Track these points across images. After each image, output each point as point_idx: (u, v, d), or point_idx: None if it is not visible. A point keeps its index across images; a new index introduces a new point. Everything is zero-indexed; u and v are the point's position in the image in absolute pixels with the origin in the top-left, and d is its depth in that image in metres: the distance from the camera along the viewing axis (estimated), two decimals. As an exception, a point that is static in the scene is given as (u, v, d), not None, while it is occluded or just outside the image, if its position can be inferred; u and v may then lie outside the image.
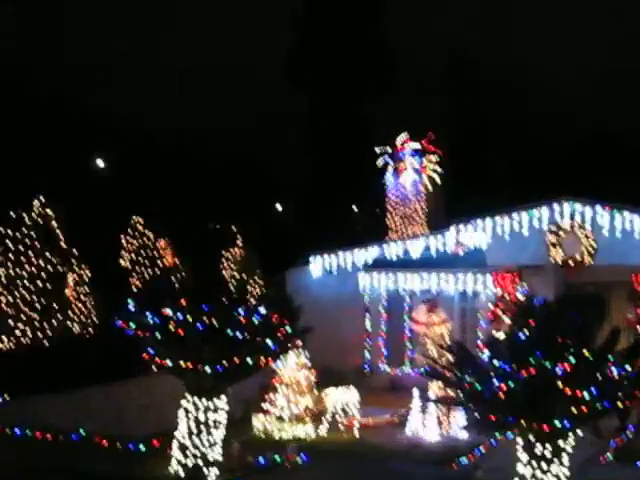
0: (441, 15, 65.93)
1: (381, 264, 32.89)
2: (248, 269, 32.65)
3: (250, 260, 33.53)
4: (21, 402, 21.57)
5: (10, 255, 26.92)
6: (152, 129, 42.83)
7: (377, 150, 38.56)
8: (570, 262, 29.94)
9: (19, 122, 38.25)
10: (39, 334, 27.10)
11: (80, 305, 28.33)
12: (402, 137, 38.20)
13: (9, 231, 26.93)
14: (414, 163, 37.91)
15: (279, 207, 51.91)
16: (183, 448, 18.43)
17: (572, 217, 30.02)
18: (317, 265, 33.62)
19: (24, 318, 26.99)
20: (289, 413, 24.38)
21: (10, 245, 26.96)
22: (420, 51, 58.60)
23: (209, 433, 18.46)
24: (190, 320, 18.07)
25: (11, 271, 26.97)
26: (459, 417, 24.17)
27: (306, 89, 56.65)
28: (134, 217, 32.60)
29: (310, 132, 54.70)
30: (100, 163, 39.86)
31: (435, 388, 24.18)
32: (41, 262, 27.30)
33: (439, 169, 38.07)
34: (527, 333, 16.81)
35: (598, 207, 29.67)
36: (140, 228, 32.46)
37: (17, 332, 26.84)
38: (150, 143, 42.36)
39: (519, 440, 16.83)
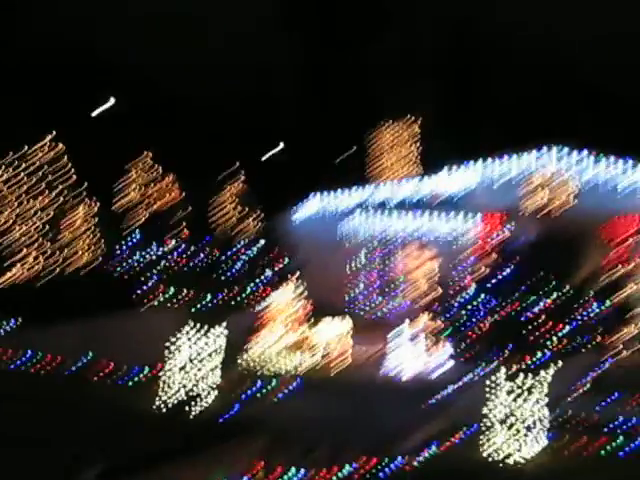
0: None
1: (372, 205, 32.90)
2: (249, 206, 32.55)
3: (251, 198, 33.45)
4: (26, 331, 21.65)
5: (24, 188, 26.86)
6: (159, 72, 42.38)
7: None
8: (553, 207, 29.96)
9: (34, 60, 37.93)
10: (50, 263, 27.14)
11: (86, 238, 28.31)
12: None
13: (17, 167, 26.82)
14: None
15: (280, 148, 51.71)
16: (180, 377, 18.38)
17: (558, 162, 30.02)
18: (311, 205, 33.62)
19: (36, 248, 26.96)
20: (284, 343, 24.47)
21: (24, 179, 26.87)
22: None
23: (208, 361, 18.43)
24: (189, 253, 17.99)
25: (25, 203, 26.90)
26: (443, 351, 24.20)
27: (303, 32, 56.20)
28: (144, 153, 32.49)
29: (310, 76, 54.53)
30: (112, 103, 39.55)
31: (421, 323, 24.21)
32: (49, 197, 27.22)
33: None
34: (510, 271, 16.82)
35: (583, 153, 29.67)
36: (150, 164, 32.37)
37: (24, 264, 26.83)
38: (159, 84, 42.00)
39: (499, 372, 16.85)
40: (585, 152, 29.65)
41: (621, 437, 17.62)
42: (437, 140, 38.26)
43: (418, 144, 37.61)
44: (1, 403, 14.64)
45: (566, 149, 29.92)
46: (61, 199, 27.57)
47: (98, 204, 28.64)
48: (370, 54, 53.26)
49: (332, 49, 54.54)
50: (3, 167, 26.70)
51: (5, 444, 12.18)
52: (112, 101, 39.14)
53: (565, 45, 47.29)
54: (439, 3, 53.91)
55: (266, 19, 51.47)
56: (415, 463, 15.56)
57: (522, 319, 16.11)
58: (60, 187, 27.57)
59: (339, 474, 14.11)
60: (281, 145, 48.18)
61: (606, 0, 50.64)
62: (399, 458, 15.39)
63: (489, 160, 30.82)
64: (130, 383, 19.51)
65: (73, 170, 27.98)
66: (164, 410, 17.49)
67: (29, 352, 19.64)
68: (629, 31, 47.58)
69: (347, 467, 14.31)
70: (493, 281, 16.94)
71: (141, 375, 19.53)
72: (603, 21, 49.10)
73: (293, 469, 13.52)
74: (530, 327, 16.10)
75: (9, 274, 26.40)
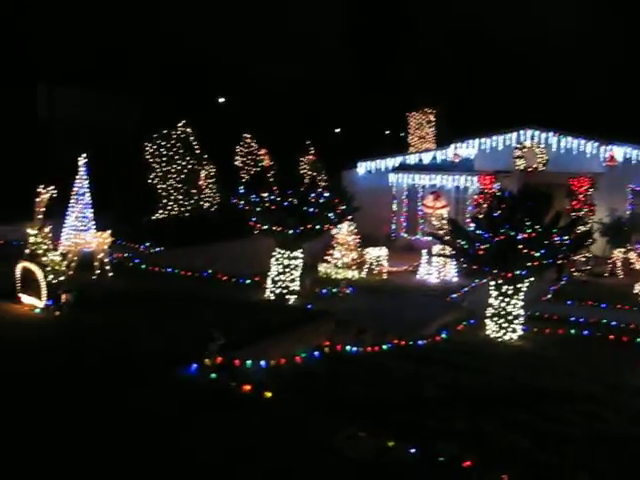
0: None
1: (404, 168, 32.86)
2: (317, 169, 32.58)
3: (318, 163, 33.44)
4: (171, 252, 21.98)
5: (163, 158, 27.09)
6: (254, 75, 42.20)
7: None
8: (529, 169, 29.71)
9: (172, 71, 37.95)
10: (182, 209, 27.40)
11: (208, 190, 28.54)
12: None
13: (163, 142, 27.03)
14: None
15: (338, 130, 51.57)
16: (274, 282, 18.65)
17: (532, 139, 29.75)
18: (362, 168, 33.59)
19: (172, 198, 27.23)
20: (342, 262, 24.62)
21: (164, 152, 27.10)
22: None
23: (291, 273, 18.64)
24: (279, 200, 18.13)
25: (164, 168, 27.13)
26: (452, 268, 24.24)
27: (358, 53, 55.63)
28: (244, 134, 32.59)
29: (359, 82, 54.19)
30: (222, 99, 39.87)
31: (437, 248, 24.22)
32: (183, 162, 27.42)
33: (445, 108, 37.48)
34: (499, 213, 16.76)
35: (550, 133, 29.46)
36: (248, 141, 32.45)
37: (168, 207, 27.14)
38: (253, 84, 41.94)
39: (491, 283, 16.88)
40: (551, 133, 29.43)
41: (573, 329, 17.65)
42: (448, 123, 37.82)
43: (435, 126, 37.23)
44: (154, 300, 14.98)
45: (537, 131, 29.71)
46: (189, 165, 27.78)
47: (214, 169, 28.85)
48: (403, 64, 52.62)
49: (377, 59, 54.02)
50: (150, 143, 26.98)
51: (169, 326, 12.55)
52: (222, 99, 39.47)
53: (541, 51, 46.22)
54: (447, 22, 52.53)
55: (331, 35, 50.76)
56: (434, 342, 15.75)
57: (506, 247, 16.10)
58: (188, 156, 27.78)
59: (380, 350, 14.30)
60: (338, 129, 48.18)
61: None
62: (422, 340, 15.60)
63: (485, 137, 30.67)
64: (241, 285, 19.67)
65: (197, 144, 28.17)
66: (263, 303, 17.78)
67: (171, 269, 19.91)
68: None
69: (385, 346, 14.47)
70: (486, 220, 16.92)
71: (247, 280, 19.74)
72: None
73: (348, 347, 13.66)
74: (512, 252, 16.09)
75: (156, 215, 26.82)
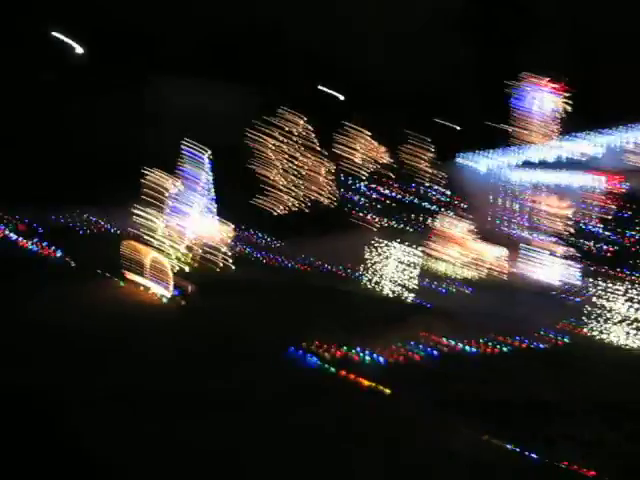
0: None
1: (524, 164, 31.95)
2: (432, 165, 32.13)
3: (433, 159, 32.94)
4: (289, 245, 22.39)
5: (285, 154, 27.46)
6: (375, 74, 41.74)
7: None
8: (658, 168, 28.39)
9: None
10: (301, 203, 27.70)
11: (328, 186, 28.71)
12: (542, 79, 36.25)
13: (283, 138, 27.41)
14: (551, 97, 36.07)
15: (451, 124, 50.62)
16: (386, 277, 18.44)
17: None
18: (477, 163, 32.83)
19: (292, 194, 27.57)
20: (457, 260, 24.07)
21: (285, 148, 27.49)
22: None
23: (404, 268, 18.45)
24: (395, 195, 18.07)
25: (285, 164, 27.51)
26: (573, 269, 23.32)
27: (474, 42, 54.39)
28: (364, 131, 32.62)
29: (476, 72, 52.99)
30: (342, 97, 39.85)
31: (552, 247, 23.39)
32: (303, 159, 27.72)
33: (567, 102, 36.09)
34: (627, 213, 16.07)
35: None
36: (368, 138, 32.43)
37: (288, 203, 27.52)
38: (371, 85, 41.48)
39: (617, 285, 16.13)
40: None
41: None
42: (574, 117, 36.32)
43: (557, 120, 35.93)
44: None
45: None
46: (309, 161, 28.06)
47: (334, 165, 28.93)
48: (515, 51, 51.00)
49: (487, 47, 52.68)
50: (271, 138, 27.39)
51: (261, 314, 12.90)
52: (342, 97, 39.44)
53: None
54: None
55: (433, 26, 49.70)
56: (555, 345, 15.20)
57: (635, 248, 15.39)
58: (309, 153, 28.05)
59: (499, 351, 13.90)
60: (456, 126, 47.16)
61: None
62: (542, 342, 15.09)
63: (611, 133, 29.42)
64: (354, 279, 19.62)
65: (317, 141, 28.37)
66: (374, 296, 17.64)
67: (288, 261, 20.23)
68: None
69: (504, 347, 13.99)
70: (613, 221, 16.24)
71: (360, 273, 19.67)
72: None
73: (467, 346, 13.37)
74: (638, 254, 15.37)
75: (275, 209, 27.25)
